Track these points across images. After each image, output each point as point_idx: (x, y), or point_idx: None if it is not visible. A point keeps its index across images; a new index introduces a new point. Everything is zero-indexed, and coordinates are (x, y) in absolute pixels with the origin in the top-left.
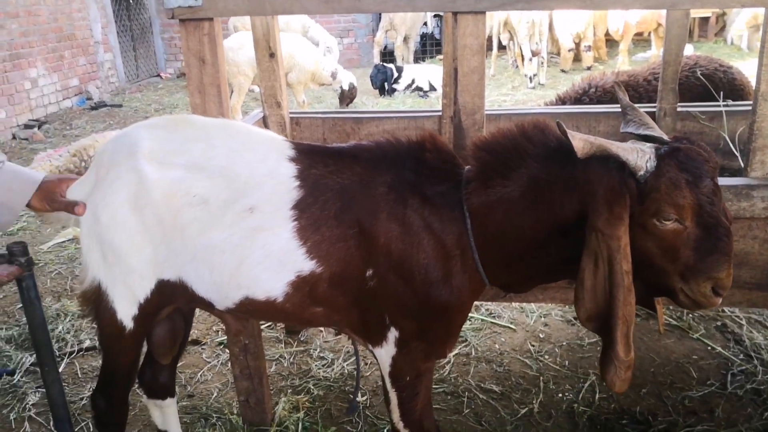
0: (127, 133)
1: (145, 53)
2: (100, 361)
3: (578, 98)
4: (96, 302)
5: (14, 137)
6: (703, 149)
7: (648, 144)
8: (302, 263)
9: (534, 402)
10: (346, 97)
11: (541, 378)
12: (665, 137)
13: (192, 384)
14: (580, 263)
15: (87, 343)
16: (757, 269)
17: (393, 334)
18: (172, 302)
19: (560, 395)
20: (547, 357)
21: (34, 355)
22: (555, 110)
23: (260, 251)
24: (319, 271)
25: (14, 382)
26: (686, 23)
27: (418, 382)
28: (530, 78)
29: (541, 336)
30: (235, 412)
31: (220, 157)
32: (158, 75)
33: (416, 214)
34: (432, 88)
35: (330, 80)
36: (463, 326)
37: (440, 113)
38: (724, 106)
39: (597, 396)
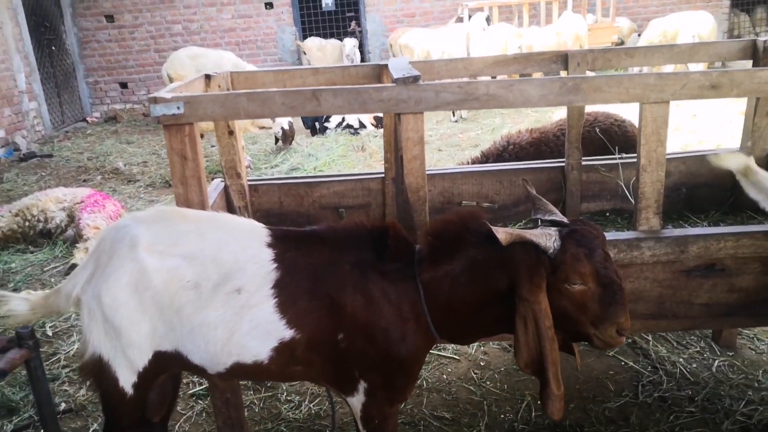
0: (127, 226)
1: (69, 98)
2: (79, 423)
3: (499, 154)
4: (97, 373)
5: None
6: (593, 228)
7: (553, 228)
8: (283, 331)
9: (481, 424)
10: (288, 135)
11: (485, 402)
12: (565, 220)
13: (178, 423)
14: (514, 323)
15: (62, 407)
16: (650, 302)
17: (362, 385)
18: (167, 370)
19: (502, 416)
20: (488, 383)
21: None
22: (479, 168)
23: (248, 324)
24: (298, 337)
25: None
26: None
27: (385, 424)
28: (453, 112)
29: (482, 363)
30: None
31: (210, 248)
32: (84, 120)
33: (376, 287)
34: (362, 126)
35: (270, 123)
36: None
37: (383, 175)
38: (619, 159)
39: (533, 414)
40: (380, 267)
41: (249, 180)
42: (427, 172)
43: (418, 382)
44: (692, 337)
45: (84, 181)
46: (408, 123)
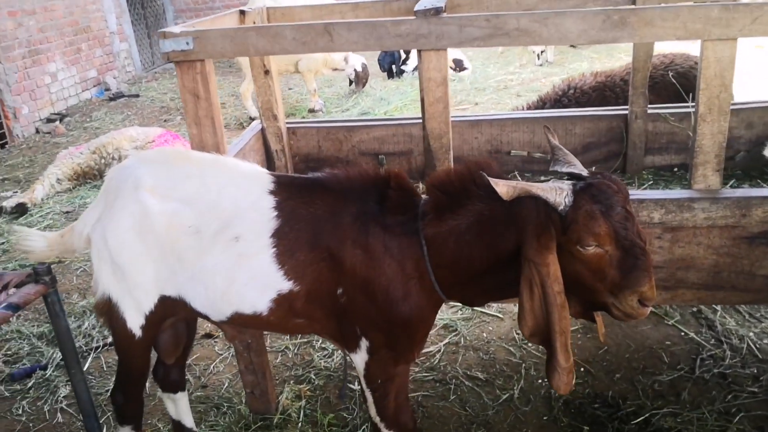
0: (132, 166)
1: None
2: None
3: (558, 99)
4: (108, 313)
5: (37, 131)
6: (614, 182)
7: (567, 182)
8: (281, 283)
9: (515, 388)
10: (361, 78)
11: (524, 365)
12: (585, 173)
13: (205, 375)
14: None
15: (111, 339)
16: (702, 272)
17: (364, 343)
18: (174, 314)
19: (540, 381)
20: (530, 345)
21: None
22: (532, 115)
23: (246, 274)
24: (296, 289)
25: (47, 376)
26: None
27: (389, 384)
28: (538, 55)
29: None
30: (243, 402)
31: (211, 192)
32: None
33: (378, 241)
34: None
35: (343, 64)
36: (454, 316)
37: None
38: (692, 106)
39: (573, 381)
40: (383, 220)
41: (287, 122)
42: (474, 118)
43: (456, 338)
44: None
45: (165, 121)
46: (429, 61)
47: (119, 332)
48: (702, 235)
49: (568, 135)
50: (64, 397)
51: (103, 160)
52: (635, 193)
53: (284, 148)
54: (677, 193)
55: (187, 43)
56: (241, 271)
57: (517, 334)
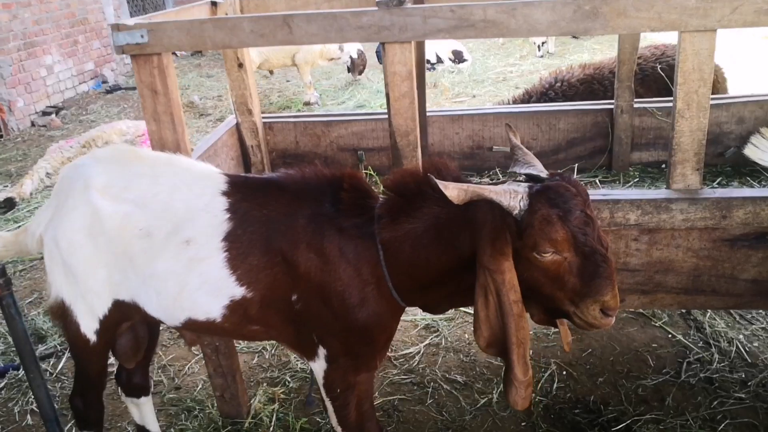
0: (83, 165)
1: None
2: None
3: (544, 92)
4: (62, 317)
5: (33, 124)
6: (573, 184)
7: (523, 184)
8: (234, 289)
9: (494, 392)
10: (358, 65)
11: (504, 368)
12: (543, 174)
13: (180, 376)
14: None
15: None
16: (682, 275)
17: (322, 351)
18: (129, 318)
19: None
20: None
21: (40, 348)
22: (515, 109)
23: (198, 279)
24: (250, 295)
25: (20, 376)
26: None
27: (350, 393)
28: (539, 46)
29: None
30: (215, 404)
31: (163, 193)
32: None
33: (333, 245)
34: (439, 60)
35: (339, 53)
36: (436, 317)
37: None
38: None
39: (555, 385)
40: (338, 222)
41: (264, 117)
42: (454, 113)
43: (437, 339)
44: (759, 312)
45: None
46: (393, 54)
47: (73, 337)
48: (681, 237)
49: (552, 130)
50: (35, 398)
51: None
52: (610, 193)
53: (260, 144)
54: (654, 193)
55: (142, 36)
56: (192, 276)
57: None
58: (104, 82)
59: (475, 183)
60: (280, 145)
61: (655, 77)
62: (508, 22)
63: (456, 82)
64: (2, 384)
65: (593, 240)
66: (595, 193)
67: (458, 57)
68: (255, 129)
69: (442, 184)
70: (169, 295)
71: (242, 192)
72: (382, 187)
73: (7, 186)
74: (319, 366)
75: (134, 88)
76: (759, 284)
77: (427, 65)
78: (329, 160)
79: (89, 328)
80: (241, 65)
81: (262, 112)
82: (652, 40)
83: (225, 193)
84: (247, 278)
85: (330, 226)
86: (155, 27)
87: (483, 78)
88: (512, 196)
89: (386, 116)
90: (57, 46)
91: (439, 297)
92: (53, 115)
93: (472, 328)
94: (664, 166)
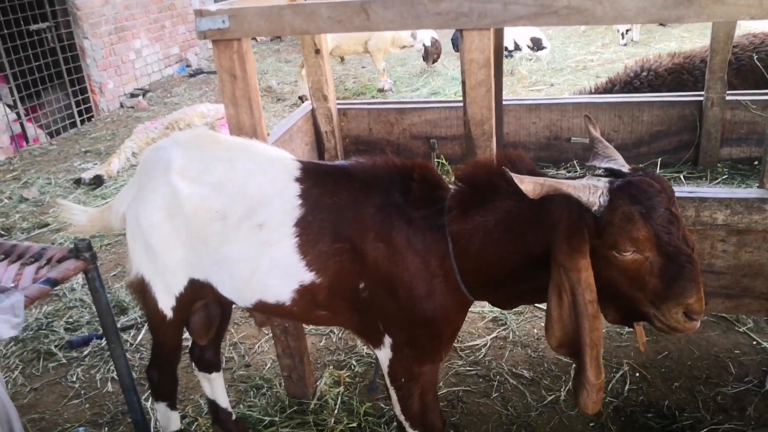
0: (165, 147)
1: None
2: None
3: (629, 81)
4: (141, 292)
5: (121, 105)
6: (657, 180)
7: (603, 179)
8: (303, 274)
9: (562, 390)
10: (431, 53)
11: (573, 366)
12: (625, 169)
13: (250, 355)
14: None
15: None
16: None
17: (387, 340)
18: (203, 297)
19: None
20: None
21: (122, 319)
22: (595, 99)
23: (269, 263)
24: (319, 281)
25: (102, 345)
26: None
27: (413, 384)
28: (622, 34)
29: None
30: (282, 384)
31: (239, 177)
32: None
33: (401, 235)
34: (517, 48)
35: (411, 41)
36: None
37: None
38: None
39: (627, 387)
40: (407, 213)
41: (338, 103)
42: (532, 102)
43: (505, 332)
44: None
45: None
46: (471, 41)
47: (151, 312)
48: None
49: (635, 122)
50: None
51: None
52: (696, 191)
53: (334, 130)
54: (746, 192)
55: (223, 22)
56: (264, 260)
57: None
58: (188, 66)
59: (551, 176)
60: (353, 131)
61: (752, 67)
62: (594, 9)
63: (534, 70)
64: (87, 351)
65: (678, 240)
66: (680, 190)
67: (537, 44)
68: (329, 115)
69: (517, 178)
70: (240, 277)
71: (314, 179)
72: (453, 179)
73: (96, 164)
74: (384, 354)
75: (215, 72)
76: None
77: (504, 52)
78: (402, 147)
79: (166, 304)
80: (318, 51)
81: (337, 99)
82: (748, 27)
83: (298, 179)
84: (316, 264)
85: (399, 217)
86: (236, 13)
87: (562, 66)
88: (592, 191)
89: (460, 104)
90: (145, 31)
91: (508, 293)
92: (140, 97)
93: (544, 327)
94: (756, 163)
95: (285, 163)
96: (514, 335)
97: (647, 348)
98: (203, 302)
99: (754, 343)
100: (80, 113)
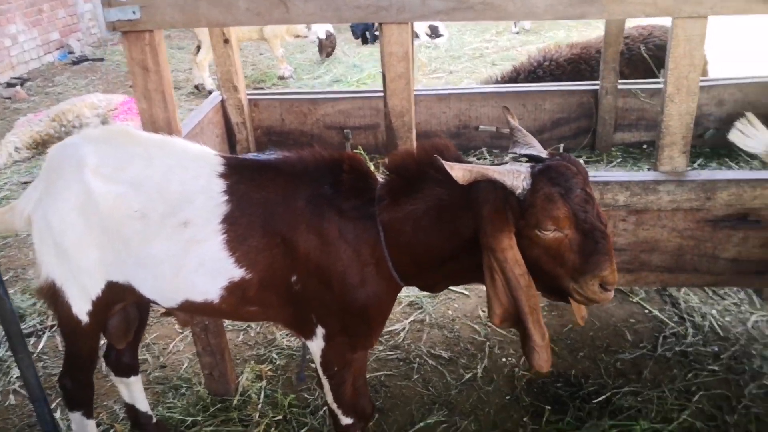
0: (75, 144)
1: None
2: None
3: (532, 71)
4: (52, 297)
5: None
6: (573, 163)
7: (525, 164)
8: (233, 271)
9: (478, 367)
10: (325, 46)
11: (488, 343)
12: (544, 155)
13: (164, 355)
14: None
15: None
16: (666, 254)
17: (320, 330)
18: (122, 299)
19: (503, 360)
20: None
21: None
22: (501, 89)
23: (195, 260)
24: (249, 277)
25: (0, 356)
26: None
27: (346, 371)
28: (515, 23)
29: None
30: (202, 383)
31: (158, 175)
32: None
33: (333, 226)
34: (416, 35)
35: (305, 31)
36: (420, 293)
37: None
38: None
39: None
40: (337, 204)
41: (249, 94)
42: (442, 92)
43: (422, 315)
44: (731, 288)
45: (131, 86)
46: (391, 35)
47: (64, 318)
48: (666, 217)
49: (538, 110)
50: (17, 377)
51: (63, 128)
52: (600, 175)
53: (245, 121)
54: (642, 175)
55: (134, 12)
56: (190, 258)
57: (483, 311)
58: (70, 52)
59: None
60: (265, 122)
61: (642, 58)
62: (506, 5)
63: (433, 57)
64: None
65: (593, 217)
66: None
67: (434, 32)
68: (240, 106)
69: (448, 165)
70: (165, 277)
71: (239, 174)
72: (381, 168)
73: None
74: (316, 345)
75: (102, 60)
76: (738, 263)
77: None
78: (315, 137)
79: (81, 309)
80: (227, 41)
81: None
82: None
83: (222, 175)
84: (245, 260)
85: (329, 208)
86: (148, 3)
87: (459, 54)
88: (515, 175)
89: (373, 94)
90: (21, 15)
91: (439, 277)
92: (18, 87)
93: (487, 310)
94: (645, 146)
95: (207, 158)
96: (430, 318)
97: (552, 322)
98: (122, 305)
99: (646, 311)
100: None
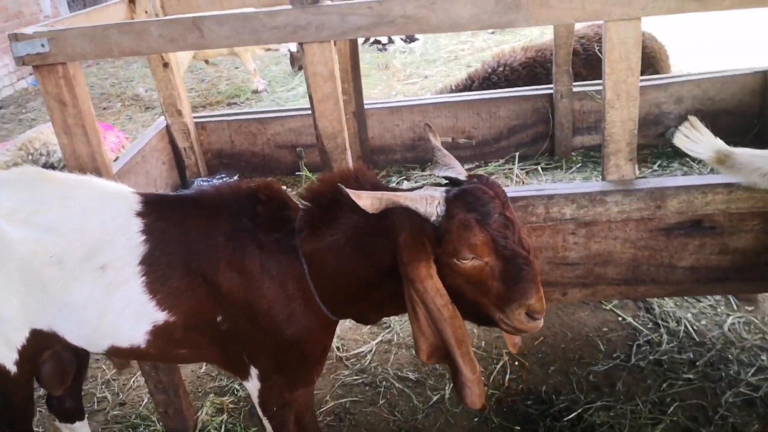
0: None
1: None
2: None
3: (486, 77)
4: None
5: None
6: (491, 186)
7: (440, 189)
8: (155, 314)
9: (446, 387)
10: (297, 59)
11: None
12: (462, 177)
13: (125, 391)
14: None
15: None
16: (621, 266)
17: (254, 371)
18: (50, 347)
19: None
20: None
21: None
22: (454, 99)
23: (117, 305)
24: (172, 319)
25: None
26: None
27: (287, 410)
28: None
29: None
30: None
31: (75, 217)
32: None
33: (254, 261)
34: (390, 41)
35: (276, 45)
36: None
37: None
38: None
39: (507, 377)
40: (258, 238)
41: (195, 117)
42: (393, 104)
43: (389, 335)
44: None
45: (104, 108)
46: (313, 54)
47: None
48: (618, 228)
49: (493, 118)
50: None
51: (30, 157)
52: (544, 188)
53: (193, 145)
54: (588, 186)
55: (42, 45)
56: (112, 302)
57: None
58: None
59: (421, 175)
60: (215, 145)
61: (599, 58)
62: (429, 17)
63: (408, 62)
64: None
65: (513, 243)
66: (529, 189)
67: (410, 36)
68: (186, 130)
69: (354, 194)
70: (88, 323)
71: (158, 211)
72: (298, 198)
73: None
74: (252, 386)
75: None
76: (697, 271)
77: (378, 46)
78: (267, 158)
79: (7, 358)
80: (166, 65)
81: (208, 105)
82: None
83: (139, 214)
84: (168, 302)
85: (250, 242)
86: (56, 35)
87: (435, 57)
88: (429, 202)
89: None
90: None
91: (368, 307)
92: None
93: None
94: None
95: (125, 197)
96: (398, 337)
97: (523, 336)
98: (51, 352)
99: (620, 318)
100: None
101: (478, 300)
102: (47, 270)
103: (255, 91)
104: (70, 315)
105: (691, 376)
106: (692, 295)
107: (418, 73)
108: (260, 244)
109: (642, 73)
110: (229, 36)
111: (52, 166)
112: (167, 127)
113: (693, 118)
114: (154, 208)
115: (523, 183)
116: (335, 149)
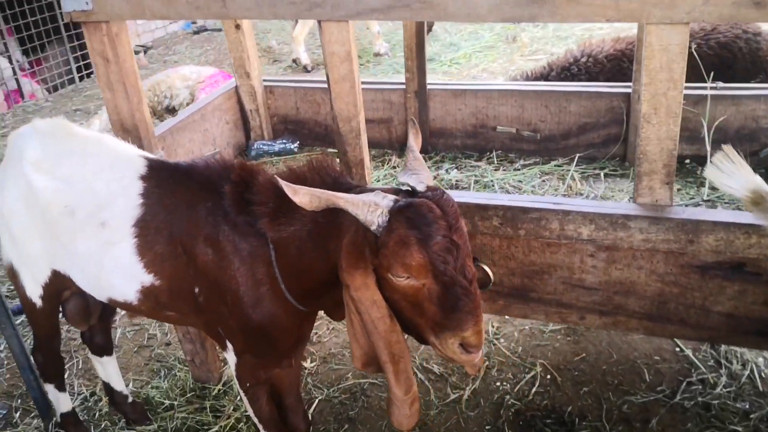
0: (22, 135)
1: None
2: None
3: (566, 67)
4: (13, 279)
5: None
6: (441, 203)
7: (389, 197)
8: (143, 276)
9: (468, 388)
10: (427, 24)
11: (487, 363)
12: (421, 187)
13: (172, 332)
14: None
15: None
16: (645, 299)
17: (229, 344)
18: (68, 288)
19: (497, 384)
20: (502, 340)
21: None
22: (522, 87)
23: (112, 262)
24: (158, 283)
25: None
26: None
27: (260, 388)
28: None
29: (506, 316)
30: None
31: (89, 173)
32: None
33: (228, 240)
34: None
35: None
36: None
37: (404, 86)
38: (711, 87)
39: (533, 389)
40: (232, 218)
41: (265, 80)
42: (457, 87)
43: None
44: None
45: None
46: (330, 33)
47: (22, 299)
48: (643, 258)
49: (562, 113)
50: (5, 347)
51: (156, 98)
52: (562, 203)
53: (259, 108)
54: (610, 206)
55: (87, 3)
56: (107, 259)
57: (492, 326)
58: (193, 22)
59: (472, 165)
60: (281, 110)
61: (701, 56)
62: (446, 4)
63: (537, 37)
64: None
65: (454, 270)
66: (545, 201)
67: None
68: (253, 92)
69: (290, 189)
70: (90, 274)
71: (158, 177)
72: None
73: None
74: (230, 358)
75: (220, 29)
76: (735, 319)
77: None
78: (329, 129)
79: (33, 292)
80: (238, 27)
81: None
82: None
83: (143, 177)
84: (153, 266)
85: (226, 221)
86: None
87: (568, 34)
88: (371, 209)
89: (387, 86)
90: None
91: (333, 303)
92: (141, 54)
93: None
94: (687, 161)
95: (133, 160)
96: None
97: (564, 348)
98: (70, 292)
99: (677, 349)
100: (79, 69)
101: (414, 320)
102: (61, 219)
103: (377, 54)
104: (77, 264)
105: (740, 429)
106: (729, 345)
107: (545, 49)
108: (234, 224)
109: (751, 79)
110: (250, 8)
111: (174, 109)
112: (236, 88)
113: (728, 147)
114: (155, 174)
115: (571, 189)
116: (350, 133)
